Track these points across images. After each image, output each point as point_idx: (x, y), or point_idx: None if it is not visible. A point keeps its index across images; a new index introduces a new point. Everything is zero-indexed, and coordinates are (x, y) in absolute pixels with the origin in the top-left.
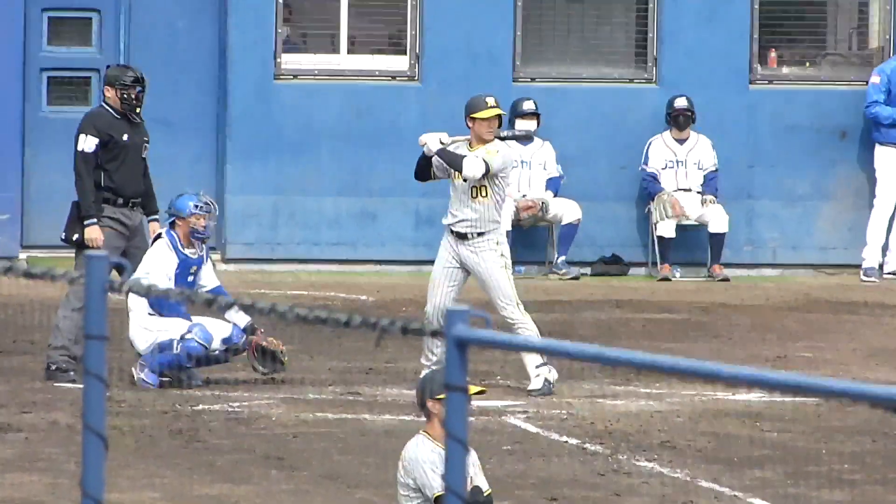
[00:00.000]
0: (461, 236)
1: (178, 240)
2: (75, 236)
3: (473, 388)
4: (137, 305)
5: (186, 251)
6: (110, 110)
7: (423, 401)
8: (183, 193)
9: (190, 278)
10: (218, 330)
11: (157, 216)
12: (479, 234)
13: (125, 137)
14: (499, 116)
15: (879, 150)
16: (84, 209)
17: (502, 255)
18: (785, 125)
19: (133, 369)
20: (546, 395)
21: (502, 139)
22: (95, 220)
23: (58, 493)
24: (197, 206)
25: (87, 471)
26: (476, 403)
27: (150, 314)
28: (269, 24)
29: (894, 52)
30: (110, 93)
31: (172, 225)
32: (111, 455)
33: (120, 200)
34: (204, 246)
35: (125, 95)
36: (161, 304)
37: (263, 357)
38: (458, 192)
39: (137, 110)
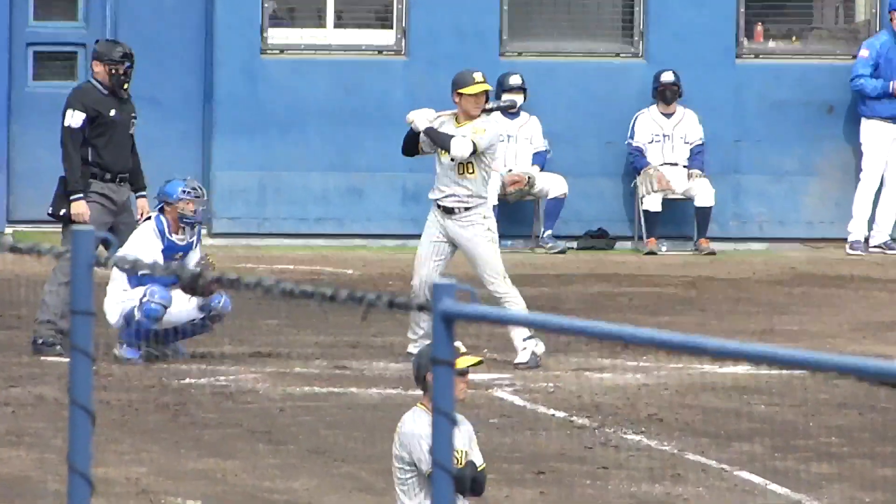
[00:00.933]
0: (448, 211)
1: (166, 225)
2: (62, 211)
3: (472, 359)
4: (115, 281)
5: (174, 237)
6: (98, 86)
7: (422, 374)
8: (172, 179)
9: (175, 264)
10: (188, 299)
11: (144, 192)
12: (467, 209)
13: (112, 113)
14: (486, 92)
15: (865, 124)
16: (70, 184)
17: (489, 229)
18: (772, 100)
19: (114, 349)
20: (533, 368)
21: (488, 112)
22: (82, 195)
23: (45, 467)
24: (185, 192)
25: (74, 445)
26: None
27: (124, 290)
28: None
29: (881, 26)
30: (99, 68)
31: (162, 210)
32: (98, 429)
33: (108, 176)
34: (195, 231)
35: (114, 71)
36: (143, 284)
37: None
38: (445, 168)
39: (126, 86)
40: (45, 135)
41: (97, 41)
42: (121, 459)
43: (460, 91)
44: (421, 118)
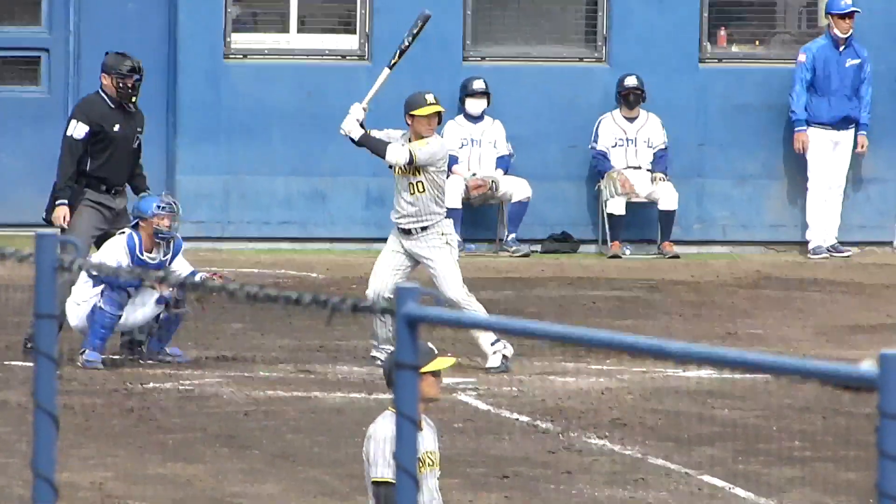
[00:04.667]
0: (406, 232)
1: (137, 244)
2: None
3: (447, 361)
4: (80, 285)
5: (145, 255)
6: (106, 99)
7: (393, 378)
8: (145, 195)
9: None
10: (150, 296)
11: (146, 195)
12: (423, 229)
13: (116, 128)
14: (438, 113)
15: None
16: (56, 189)
17: (448, 243)
18: (735, 104)
19: (78, 358)
20: (504, 372)
21: (408, 47)
22: (66, 201)
23: (9, 472)
24: (159, 207)
25: (38, 450)
26: None
27: (84, 291)
28: (218, 4)
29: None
30: (106, 80)
31: (136, 226)
32: (62, 434)
33: (103, 187)
34: (170, 247)
35: (121, 84)
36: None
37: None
38: (398, 188)
39: (133, 99)
40: (10, 140)
41: (106, 53)
42: (85, 464)
43: (412, 113)
44: (354, 126)
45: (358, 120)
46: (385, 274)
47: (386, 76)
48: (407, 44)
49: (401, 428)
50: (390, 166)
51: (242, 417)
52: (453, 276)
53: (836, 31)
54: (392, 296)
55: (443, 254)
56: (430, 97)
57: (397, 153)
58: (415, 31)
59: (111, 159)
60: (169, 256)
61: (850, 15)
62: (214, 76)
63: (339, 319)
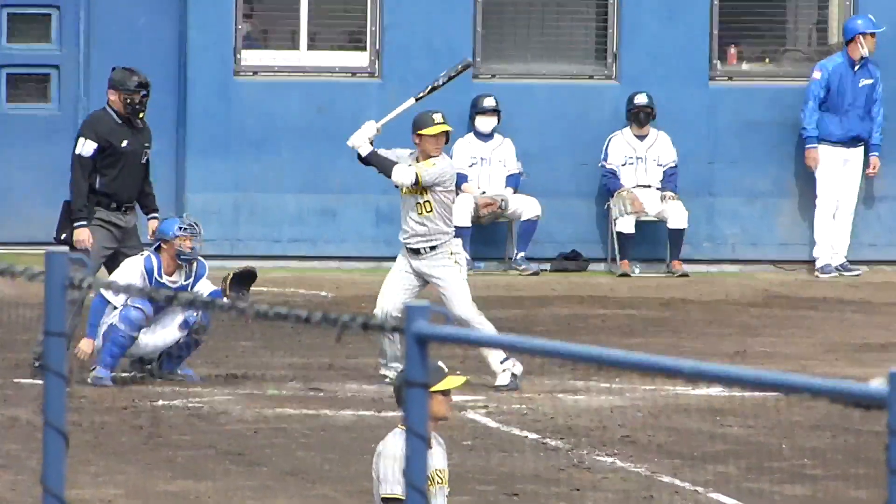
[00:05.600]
0: (415, 252)
1: (156, 266)
2: (64, 236)
3: (458, 380)
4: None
5: (165, 278)
6: (113, 115)
7: (403, 395)
8: (167, 217)
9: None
10: (172, 320)
11: (156, 215)
12: (432, 248)
13: (124, 144)
14: (446, 133)
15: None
16: (74, 211)
17: (457, 262)
18: (745, 121)
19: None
20: (513, 390)
21: (440, 86)
22: (85, 222)
23: (19, 489)
24: (181, 228)
25: (48, 467)
26: None
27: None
28: (228, 21)
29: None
30: (114, 96)
31: (158, 248)
32: (72, 451)
33: (113, 205)
34: (193, 269)
35: (129, 100)
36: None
37: (240, 285)
38: (406, 208)
39: (141, 115)
40: (20, 157)
41: (113, 69)
42: (94, 481)
43: (420, 132)
44: (363, 142)
45: (369, 138)
46: (393, 293)
47: (409, 106)
48: (441, 83)
49: (411, 445)
50: (396, 186)
51: (252, 435)
52: (463, 294)
53: (863, 50)
54: (400, 315)
55: (452, 272)
56: (437, 117)
57: (403, 174)
58: (452, 74)
59: (120, 175)
60: (192, 280)
61: (873, 35)
62: (224, 92)
63: (348, 337)
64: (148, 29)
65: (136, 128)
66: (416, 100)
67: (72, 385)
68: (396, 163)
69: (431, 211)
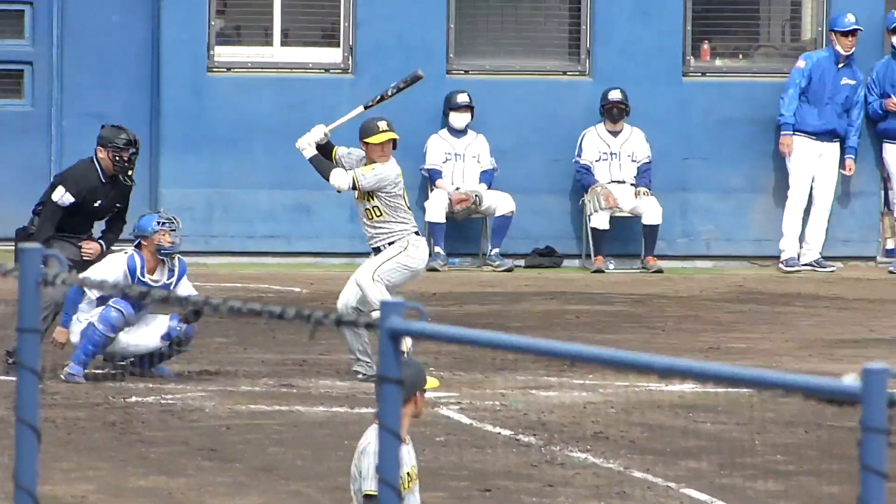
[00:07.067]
0: (376, 250)
1: (139, 265)
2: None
3: (433, 382)
4: (83, 305)
5: (148, 277)
6: (99, 172)
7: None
8: (144, 214)
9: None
10: (155, 327)
11: (102, 241)
12: (391, 244)
13: (97, 203)
14: (392, 140)
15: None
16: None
17: (405, 249)
18: (718, 117)
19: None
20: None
21: (390, 97)
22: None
23: None
24: (160, 223)
25: (21, 463)
26: None
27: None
28: (202, 17)
29: (826, 44)
30: (102, 154)
31: (139, 246)
32: (44, 447)
33: (66, 236)
34: (175, 267)
35: (118, 157)
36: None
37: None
38: (360, 214)
39: (129, 173)
40: None
41: (102, 126)
42: (67, 477)
43: (366, 140)
44: (307, 143)
45: (316, 142)
46: (353, 288)
47: (358, 113)
48: (391, 93)
49: (384, 442)
50: (338, 191)
51: (225, 431)
52: (376, 264)
53: (838, 47)
54: (359, 307)
55: (391, 250)
56: (383, 124)
57: (339, 178)
58: (401, 86)
59: (75, 220)
60: (174, 280)
61: (853, 33)
62: (198, 89)
63: (321, 334)
64: (121, 25)
65: (119, 184)
66: (366, 108)
67: (44, 381)
68: (335, 167)
69: (381, 215)
